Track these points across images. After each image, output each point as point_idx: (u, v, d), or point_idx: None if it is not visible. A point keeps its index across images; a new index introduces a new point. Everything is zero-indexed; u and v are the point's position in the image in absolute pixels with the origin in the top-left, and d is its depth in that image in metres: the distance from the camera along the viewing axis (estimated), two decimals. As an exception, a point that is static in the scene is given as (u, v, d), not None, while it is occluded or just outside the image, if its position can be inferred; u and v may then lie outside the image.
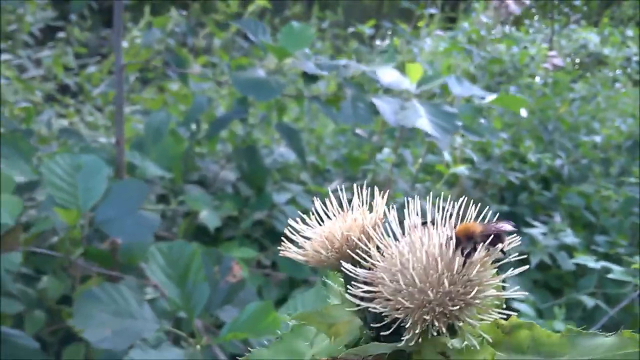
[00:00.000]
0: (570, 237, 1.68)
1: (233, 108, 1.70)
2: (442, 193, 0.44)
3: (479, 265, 0.39)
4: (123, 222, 1.13)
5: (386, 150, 1.59)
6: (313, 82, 1.35)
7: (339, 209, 0.50)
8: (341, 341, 0.45)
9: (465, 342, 0.39)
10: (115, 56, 1.39)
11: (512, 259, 0.41)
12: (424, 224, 0.43)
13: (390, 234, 0.43)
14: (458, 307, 0.38)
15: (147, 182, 1.39)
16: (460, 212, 0.43)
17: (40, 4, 2.19)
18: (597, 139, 2.28)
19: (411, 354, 0.41)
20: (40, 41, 2.32)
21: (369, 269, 0.42)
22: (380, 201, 0.48)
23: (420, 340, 0.39)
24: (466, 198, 0.43)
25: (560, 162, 2.14)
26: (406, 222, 0.43)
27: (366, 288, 0.40)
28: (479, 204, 0.43)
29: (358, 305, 0.41)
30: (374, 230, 0.44)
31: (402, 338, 0.39)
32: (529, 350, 0.41)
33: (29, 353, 1.10)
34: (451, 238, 0.39)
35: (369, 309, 0.40)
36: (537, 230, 1.69)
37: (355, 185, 0.49)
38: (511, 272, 0.39)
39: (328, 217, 0.50)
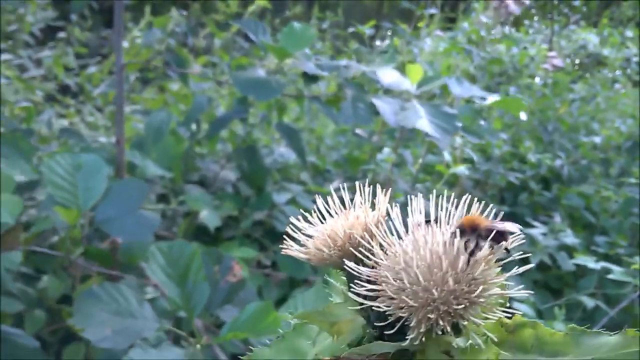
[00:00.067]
0: (570, 238, 1.68)
1: (233, 108, 1.70)
2: (444, 192, 0.44)
3: (483, 264, 0.38)
4: (123, 222, 1.13)
5: (386, 150, 1.59)
6: (313, 82, 1.35)
7: (341, 207, 0.49)
8: (344, 340, 0.44)
9: (470, 341, 0.38)
10: (116, 56, 1.39)
11: (516, 258, 0.40)
12: (427, 222, 0.43)
13: (394, 232, 0.43)
14: (463, 305, 0.37)
15: (147, 182, 1.39)
16: (464, 211, 0.43)
17: (41, 4, 2.19)
18: (597, 139, 2.28)
19: (415, 353, 0.41)
20: (41, 41, 2.32)
21: (372, 267, 0.42)
22: (382, 199, 0.48)
23: (423, 339, 0.39)
24: (469, 197, 0.43)
25: (560, 162, 2.14)
26: (409, 220, 0.43)
27: (370, 286, 0.40)
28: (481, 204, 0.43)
29: (361, 304, 0.40)
30: (377, 228, 0.44)
31: (406, 337, 0.39)
32: (533, 349, 0.41)
33: (29, 352, 1.10)
34: (455, 235, 0.39)
35: (373, 307, 0.40)
36: (537, 231, 1.69)
37: (357, 184, 0.49)
38: (515, 270, 0.39)
39: (330, 215, 0.50)
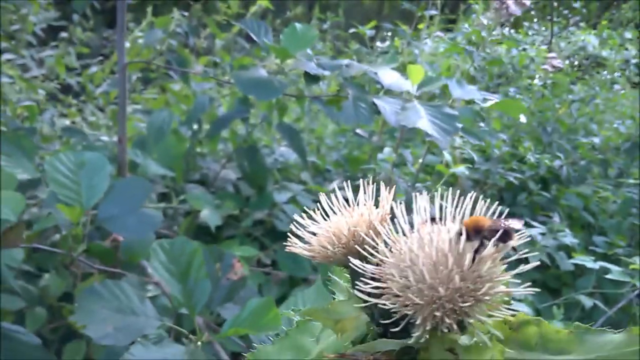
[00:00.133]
0: (568, 238, 1.69)
1: (235, 108, 1.71)
2: (448, 191, 0.44)
3: (489, 262, 0.39)
4: (126, 220, 1.14)
5: (387, 150, 1.59)
6: (315, 83, 1.36)
7: (345, 205, 0.50)
8: (347, 337, 0.45)
9: (475, 339, 0.39)
10: (118, 55, 1.39)
11: (521, 256, 0.41)
12: (432, 220, 0.43)
13: (398, 230, 0.43)
14: (469, 303, 0.38)
15: (148, 181, 1.39)
16: (468, 209, 0.43)
17: (43, 4, 2.20)
18: (596, 140, 2.29)
19: (419, 350, 0.41)
20: (43, 41, 2.32)
21: (377, 264, 0.42)
22: (386, 196, 0.48)
23: (428, 337, 0.39)
24: (474, 195, 0.43)
25: (559, 163, 2.15)
26: (414, 218, 0.43)
27: (375, 284, 0.40)
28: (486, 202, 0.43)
29: (365, 302, 0.41)
30: (382, 225, 0.44)
31: (411, 335, 0.39)
32: (537, 347, 0.41)
33: (30, 349, 1.10)
34: (460, 233, 0.39)
35: (377, 305, 0.40)
36: (536, 231, 1.69)
37: (361, 181, 0.49)
38: (521, 268, 0.39)
39: (334, 212, 0.50)
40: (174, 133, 1.67)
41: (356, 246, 0.46)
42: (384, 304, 0.39)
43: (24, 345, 1.09)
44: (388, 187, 0.49)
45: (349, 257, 0.45)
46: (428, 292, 0.38)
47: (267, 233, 1.76)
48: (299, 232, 0.50)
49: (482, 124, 1.98)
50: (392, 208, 0.47)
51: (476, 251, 0.39)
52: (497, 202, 0.43)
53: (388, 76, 1.37)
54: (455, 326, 0.38)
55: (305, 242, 0.50)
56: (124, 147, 1.41)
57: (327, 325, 0.46)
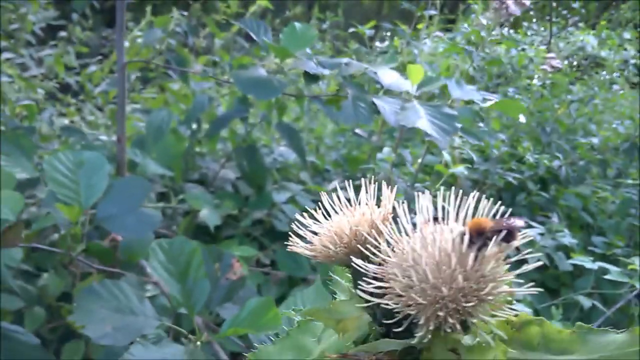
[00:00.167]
0: (567, 238, 1.69)
1: (234, 107, 1.71)
2: (451, 191, 0.44)
3: (492, 261, 0.38)
4: (124, 219, 1.13)
5: (386, 150, 1.59)
6: (314, 82, 1.36)
7: (347, 204, 0.49)
8: (349, 337, 0.45)
9: (478, 339, 0.38)
10: (118, 54, 1.39)
11: (524, 256, 0.40)
12: (435, 219, 0.43)
13: (401, 229, 0.43)
14: (472, 303, 0.37)
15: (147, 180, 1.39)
16: (471, 208, 0.43)
17: (42, 4, 2.19)
18: (595, 140, 2.29)
19: (421, 350, 0.41)
20: (42, 40, 2.32)
21: (379, 264, 0.42)
22: (388, 196, 0.48)
23: (430, 337, 0.39)
24: (476, 195, 0.43)
25: (558, 163, 2.15)
26: (417, 218, 0.43)
27: (378, 284, 0.40)
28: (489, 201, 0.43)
29: (368, 301, 0.40)
30: (384, 225, 0.44)
31: (414, 334, 0.39)
32: (540, 347, 0.41)
33: (29, 349, 1.10)
34: (464, 233, 0.39)
35: (380, 305, 0.40)
36: (535, 231, 1.70)
37: (363, 180, 0.49)
38: (524, 268, 0.39)
39: (335, 212, 0.50)
40: (173, 132, 1.67)
41: (358, 246, 0.46)
42: (387, 304, 0.39)
43: (23, 345, 1.09)
44: (390, 187, 0.49)
45: (351, 256, 0.44)
46: (431, 292, 0.38)
47: (266, 233, 1.76)
48: (300, 232, 0.50)
49: (481, 124, 1.98)
50: (394, 208, 0.47)
51: (479, 251, 0.38)
52: (496, 203, 0.43)
53: (388, 76, 1.37)
54: (458, 326, 0.38)
55: (307, 242, 0.49)
56: (123, 146, 1.41)
57: (329, 325, 0.46)
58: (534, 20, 3.50)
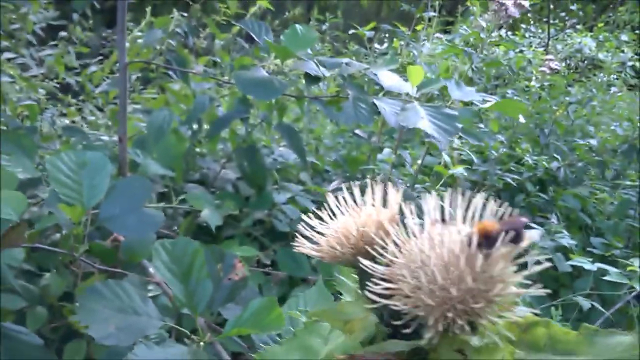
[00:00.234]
0: (566, 239, 1.69)
1: (234, 108, 1.71)
2: (455, 193, 0.44)
3: (500, 262, 0.39)
4: (127, 219, 1.13)
5: (386, 151, 1.60)
6: (315, 83, 1.36)
7: (353, 205, 0.50)
8: (356, 338, 0.45)
9: (485, 340, 0.39)
10: (119, 54, 1.39)
11: (532, 258, 0.40)
12: (443, 220, 0.43)
13: (409, 230, 0.43)
14: (480, 304, 0.38)
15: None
16: (479, 209, 0.43)
17: (43, 3, 2.19)
18: (593, 142, 2.30)
19: (428, 351, 0.41)
20: (42, 40, 2.32)
21: (386, 265, 0.42)
22: (395, 197, 0.48)
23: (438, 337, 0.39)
24: (483, 195, 0.43)
25: (557, 164, 2.16)
26: (425, 219, 0.43)
27: (386, 285, 0.40)
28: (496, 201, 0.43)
29: (375, 302, 0.40)
30: (391, 226, 0.44)
31: (421, 335, 0.39)
32: (546, 348, 0.41)
33: (32, 349, 1.10)
34: (472, 234, 0.39)
35: (388, 306, 0.40)
36: (535, 232, 1.70)
37: (368, 181, 0.49)
38: (534, 269, 0.39)
39: (341, 213, 0.50)
40: (174, 133, 1.67)
41: (365, 246, 0.46)
42: (395, 305, 0.39)
43: (25, 345, 1.09)
44: (396, 188, 0.50)
45: (358, 257, 0.45)
46: (439, 293, 0.38)
47: (266, 233, 1.76)
48: (306, 233, 0.50)
49: (481, 125, 1.99)
50: (400, 208, 0.47)
51: (487, 252, 0.39)
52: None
53: (388, 78, 1.37)
54: (467, 327, 0.38)
55: (313, 243, 0.50)
56: (125, 146, 1.41)
57: (336, 326, 0.46)
58: (532, 22, 3.51)
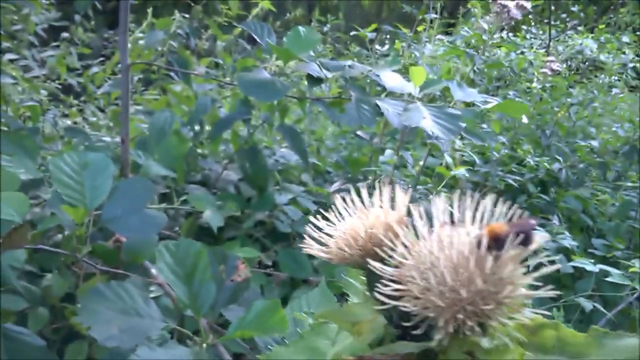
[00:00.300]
0: (568, 240, 1.69)
1: (236, 109, 1.71)
2: (463, 195, 0.44)
3: (510, 264, 0.39)
4: (129, 220, 1.13)
5: (388, 152, 1.60)
6: (318, 85, 1.36)
7: (361, 206, 0.50)
8: (364, 339, 0.45)
9: (495, 342, 0.39)
10: (121, 55, 1.39)
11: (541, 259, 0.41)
12: (452, 222, 0.43)
13: (415, 232, 0.43)
14: (490, 306, 0.38)
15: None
16: (488, 210, 0.43)
17: (44, 4, 2.19)
18: (594, 143, 2.30)
19: (438, 353, 0.41)
20: (44, 41, 2.32)
21: (395, 266, 0.42)
22: (402, 198, 0.48)
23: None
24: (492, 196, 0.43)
25: (558, 166, 2.16)
26: (434, 220, 0.43)
27: (395, 286, 0.40)
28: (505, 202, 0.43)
29: (384, 303, 0.40)
30: (399, 227, 0.44)
31: (430, 337, 0.39)
32: (554, 350, 0.41)
33: (34, 350, 1.10)
34: (481, 236, 0.39)
35: (397, 307, 0.40)
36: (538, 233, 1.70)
37: (377, 183, 0.49)
38: (544, 271, 0.39)
39: (348, 214, 0.50)
40: (176, 134, 1.67)
41: (374, 248, 0.46)
42: (405, 306, 0.39)
43: (27, 347, 1.09)
44: (404, 190, 0.49)
45: (366, 259, 0.45)
46: (449, 295, 0.38)
47: (268, 234, 1.76)
48: (314, 234, 0.50)
49: (484, 125, 1.99)
50: (409, 210, 0.47)
51: (497, 254, 0.39)
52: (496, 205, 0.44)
53: (390, 78, 1.37)
54: (477, 328, 0.38)
55: (321, 244, 0.49)
56: (127, 147, 1.41)
57: (345, 328, 0.46)
58: (533, 23, 3.51)
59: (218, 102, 1.96)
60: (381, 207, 0.50)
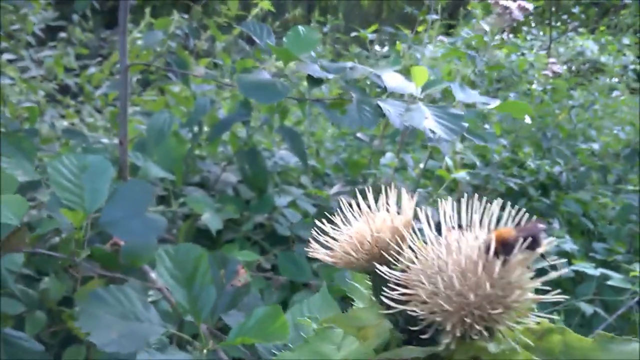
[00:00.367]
0: (569, 244, 1.69)
1: (235, 110, 1.70)
2: (472, 199, 0.43)
3: (518, 269, 0.38)
4: (129, 224, 1.12)
5: (389, 155, 1.59)
6: (318, 86, 1.35)
7: (367, 210, 0.49)
8: (370, 344, 0.44)
9: (502, 346, 0.38)
10: (121, 56, 1.38)
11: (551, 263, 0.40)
12: (459, 226, 0.42)
13: (421, 236, 0.43)
14: (498, 310, 0.37)
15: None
16: (495, 215, 0.43)
17: (42, 4, 2.18)
18: (595, 146, 2.30)
19: (444, 358, 0.40)
20: (42, 41, 2.31)
21: (402, 271, 0.41)
22: (408, 202, 0.48)
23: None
24: (500, 202, 0.43)
25: (559, 169, 2.15)
26: (442, 224, 0.43)
27: (403, 290, 0.40)
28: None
29: (391, 308, 0.40)
30: (406, 231, 0.44)
31: (436, 341, 0.39)
32: (561, 355, 0.40)
33: (32, 355, 1.09)
34: (489, 240, 0.39)
35: (403, 312, 0.39)
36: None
37: (383, 187, 0.49)
38: (551, 275, 0.39)
39: (354, 218, 0.49)
40: (174, 135, 1.66)
41: (381, 252, 0.46)
42: (413, 311, 0.39)
43: (26, 352, 1.07)
44: (410, 193, 0.49)
45: (373, 263, 0.44)
46: (457, 299, 0.38)
47: (267, 237, 1.75)
48: (319, 238, 0.49)
49: (487, 126, 1.98)
50: (415, 214, 0.47)
51: (505, 258, 0.39)
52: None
53: (392, 79, 1.36)
54: (485, 333, 0.38)
55: (327, 248, 0.49)
56: (125, 149, 1.40)
57: (350, 333, 0.46)
58: (534, 25, 3.51)
59: (217, 103, 1.95)
60: (387, 210, 0.49)
